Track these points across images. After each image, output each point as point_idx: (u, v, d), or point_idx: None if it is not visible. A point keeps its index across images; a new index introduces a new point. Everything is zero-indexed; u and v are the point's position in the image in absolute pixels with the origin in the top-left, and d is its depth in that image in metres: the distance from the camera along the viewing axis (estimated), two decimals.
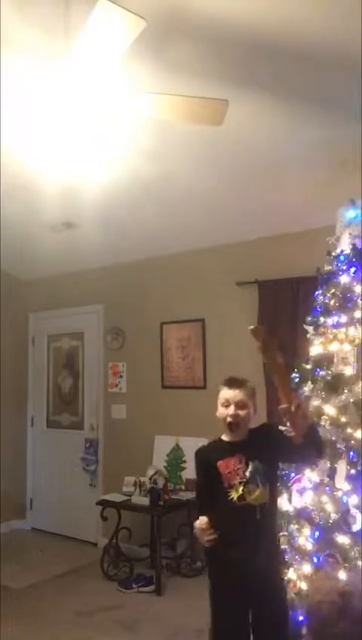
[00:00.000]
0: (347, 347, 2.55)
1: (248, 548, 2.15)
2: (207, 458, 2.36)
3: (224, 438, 2.35)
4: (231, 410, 2.26)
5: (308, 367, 2.81)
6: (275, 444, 2.22)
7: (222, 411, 2.31)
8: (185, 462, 4.63)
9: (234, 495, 2.21)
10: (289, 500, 2.65)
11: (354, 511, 2.27)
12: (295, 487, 2.64)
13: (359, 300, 2.55)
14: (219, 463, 2.26)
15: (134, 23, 1.69)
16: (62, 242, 4.79)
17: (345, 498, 2.32)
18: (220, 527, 2.22)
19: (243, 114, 2.74)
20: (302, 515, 2.52)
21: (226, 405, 2.29)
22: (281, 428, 2.24)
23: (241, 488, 2.19)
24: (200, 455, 2.45)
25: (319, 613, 1.30)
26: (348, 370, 2.50)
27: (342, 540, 2.29)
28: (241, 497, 2.20)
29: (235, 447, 2.27)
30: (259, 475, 2.20)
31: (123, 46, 1.81)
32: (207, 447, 2.50)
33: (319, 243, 2.96)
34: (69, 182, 3.43)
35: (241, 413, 2.26)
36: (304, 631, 1.40)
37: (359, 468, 2.30)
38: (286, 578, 2.54)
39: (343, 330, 2.59)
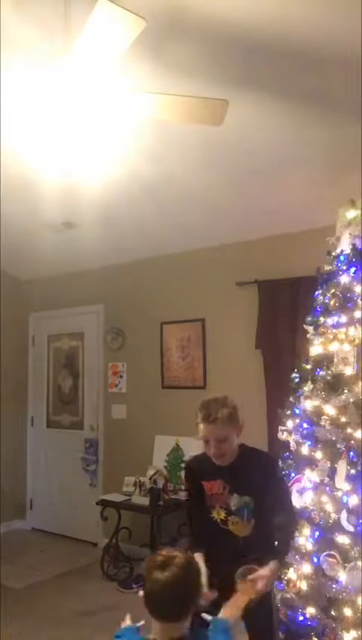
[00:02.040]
0: (347, 347, 2.55)
1: (227, 570, 1.98)
2: (194, 472, 2.29)
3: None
4: (212, 448, 2.11)
5: (308, 367, 2.81)
6: (269, 489, 2.15)
7: (204, 446, 2.17)
8: (185, 462, 4.63)
9: (216, 516, 2.16)
10: None
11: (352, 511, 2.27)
12: (295, 487, 2.64)
13: (359, 300, 2.55)
14: (204, 482, 2.20)
15: (134, 23, 1.69)
16: (62, 242, 4.80)
17: (345, 498, 2.32)
18: (204, 540, 2.18)
19: (243, 114, 2.74)
20: (302, 515, 2.52)
21: (206, 441, 2.13)
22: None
23: (224, 514, 2.14)
24: (189, 467, 2.38)
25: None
26: (348, 370, 2.50)
27: (342, 540, 2.28)
28: (224, 521, 2.15)
29: (219, 472, 2.17)
30: (246, 509, 2.13)
31: (123, 46, 1.81)
32: (196, 460, 2.35)
33: (319, 243, 2.96)
34: (68, 182, 3.43)
35: (223, 446, 2.11)
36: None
37: (359, 468, 2.30)
38: (285, 578, 2.54)
39: (343, 330, 2.59)
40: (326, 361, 2.66)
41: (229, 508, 2.13)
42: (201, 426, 2.11)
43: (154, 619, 1.51)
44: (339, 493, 2.35)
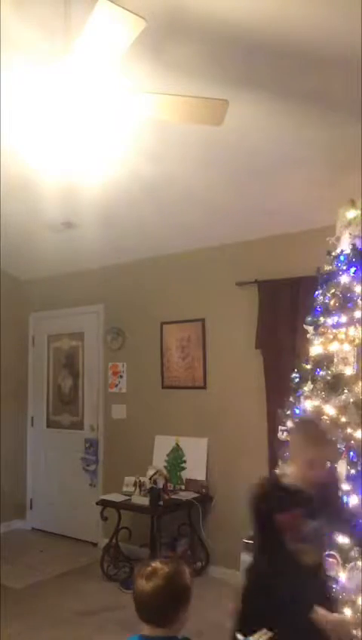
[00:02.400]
0: (347, 347, 2.55)
1: (296, 589, 1.95)
2: (264, 508, 2.17)
3: (287, 485, 2.14)
4: (312, 469, 2.09)
5: (308, 367, 2.81)
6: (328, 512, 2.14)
7: (298, 469, 2.14)
8: (185, 462, 4.63)
9: (290, 546, 2.07)
10: None
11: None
12: None
13: (359, 300, 2.55)
14: (278, 516, 2.09)
15: (134, 23, 1.69)
16: (62, 242, 4.80)
17: (345, 498, 2.32)
18: (274, 564, 2.11)
19: (243, 114, 2.74)
20: None
21: (313, 463, 2.09)
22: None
23: (296, 543, 2.07)
24: (258, 503, 2.20)
25: None
26: (348, 370, 2.50)
27: (342, 539, 2.28)
28: (296, 551, 2.07)
29: (294, 501, 2.08)
30: (315, 534, 2.10)
31: (123, 46, 1.81)
32: (264, 494, 2.19)
33: (319, 243, 2.96)
34: (68, 182, 3.43)
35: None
36: None
37: (359, 468, 2.30)
38: None
39: (343, 330, 2.59)
40: (326, 361, 2.66)
41: (301, 536, 2.07)
42: (311, 448, 2.10)
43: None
44: (339, 493, 2.35)
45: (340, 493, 2.35)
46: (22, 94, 2.41)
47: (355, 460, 2.32)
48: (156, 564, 1.62)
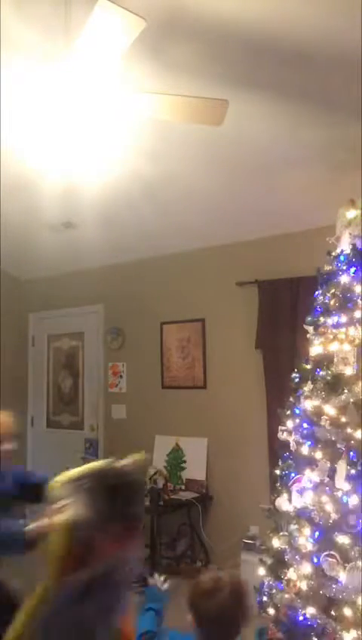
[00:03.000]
0: (347, 347, 2.54)
1: None
2: None
3: None
4: None
5: (308, 367, 2.80)
6: None
7: None
8: (185, 462, 4.63)
9: None
10: (289, 500, 2.65)
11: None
12: (295, 487, 2.64)
13: (359, 300, 2.55)
14: None
15: (134, 23, 1.69)
16: (62, 242, 4.80)
17: (345, 498, 2.32)
18: None
19: (243, 114, 2.74)
20: (302, 515, 2.52)
21: None
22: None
23: None
24: None
25: None
26: (348, 370, 2.50)
27: (342, 539, 2.28)
28: None
29: None
30: None
31: (123, 46, 1.81)
32: None
33: (319, 243, 2.96)
34: (68, 182, 3.44)
35: None
36: None
37: (359, 468, 2.30)
38: (285, 578, 2.54)
39: (343, 330, 2.59)
40: (326, 361, 2.66)
41: None
42: None
43: None
44: (339, 493, 2.35)
45: None
46: (22, 94, 2.41)
47: (355, 459, 2.32)
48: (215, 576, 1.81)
